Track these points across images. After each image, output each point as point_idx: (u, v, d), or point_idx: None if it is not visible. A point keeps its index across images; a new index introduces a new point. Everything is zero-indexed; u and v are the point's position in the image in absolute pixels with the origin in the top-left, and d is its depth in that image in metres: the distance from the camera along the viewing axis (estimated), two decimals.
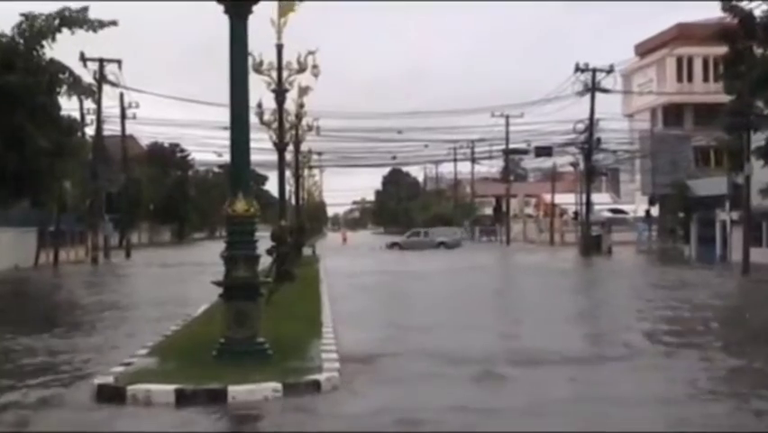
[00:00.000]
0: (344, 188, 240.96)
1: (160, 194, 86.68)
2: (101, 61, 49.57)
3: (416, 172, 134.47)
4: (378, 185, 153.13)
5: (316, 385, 10.62)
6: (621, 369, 12.36)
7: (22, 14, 29.63)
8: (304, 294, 21.35)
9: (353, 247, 73.86)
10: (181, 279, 33.62)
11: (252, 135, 12.46)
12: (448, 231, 73.54)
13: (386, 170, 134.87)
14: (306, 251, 43.87)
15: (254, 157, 12.91)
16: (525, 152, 76.26)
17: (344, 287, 27.74)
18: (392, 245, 69.66)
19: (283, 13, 22.89)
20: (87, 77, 42.37)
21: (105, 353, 13.94)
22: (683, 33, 67.70)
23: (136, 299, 24.64)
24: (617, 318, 18.68)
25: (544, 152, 67.51)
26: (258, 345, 11.70)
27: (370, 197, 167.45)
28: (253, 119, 23.41)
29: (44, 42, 29.63)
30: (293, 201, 49.48)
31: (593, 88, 55.75)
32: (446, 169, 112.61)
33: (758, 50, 33.60)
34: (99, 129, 51.00)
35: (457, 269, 38.05)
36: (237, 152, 12.04)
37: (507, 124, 76.75)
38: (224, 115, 27.03)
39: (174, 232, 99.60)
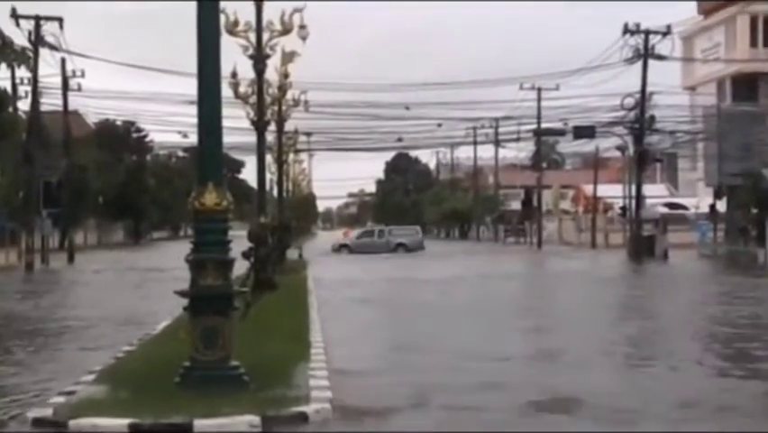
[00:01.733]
0: (339, 178, 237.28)
1: (112, 184, 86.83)
2: (37, 19, 49.62)
3: (428, 158, 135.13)
4: (380, 173, 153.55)
5: (303, 418, 10.69)
6: None
7: None
8: (288, 307, 21.39)
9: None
10: (137, 288, 33.70)
11: (225, 112, 12.47)
12: (407, 230, 75.65)
13: (390, 156, 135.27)
14: (292, 254, 43.97)
15: (227, 138, 12.93)
16: (561, 132, 76.13)
17: (338, 299, 27.82)
18: (339, 248, 70.30)
19: None
20: (21, 39, 42.53)
21: (42, 379, 13.94)
22: None
23: (81, 313, 24.63)
24: (694, 351, 17.59)
25: (584, 132, 67.36)
26: (231, 370, 11.73)
27: (371, 188, 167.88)
28: (227, 92, 23.53)
29: None
30: (275, 193, 49.56)
31: (645, 54, 55.76)
32: (464, 153, 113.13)
33: None
34: (36, 103, 51.07)
35: (473, 278, 38.05)
36: (206, 131, 12.07)
37: (540, 99, 76.83)
38: (190, 87, 27.03)
39: (129, 230, 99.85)
